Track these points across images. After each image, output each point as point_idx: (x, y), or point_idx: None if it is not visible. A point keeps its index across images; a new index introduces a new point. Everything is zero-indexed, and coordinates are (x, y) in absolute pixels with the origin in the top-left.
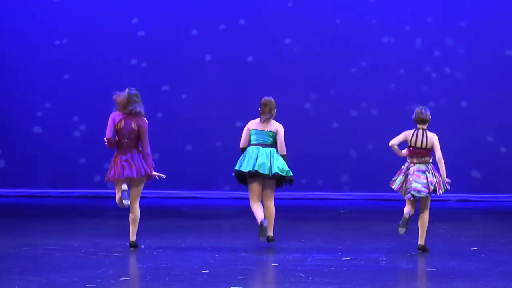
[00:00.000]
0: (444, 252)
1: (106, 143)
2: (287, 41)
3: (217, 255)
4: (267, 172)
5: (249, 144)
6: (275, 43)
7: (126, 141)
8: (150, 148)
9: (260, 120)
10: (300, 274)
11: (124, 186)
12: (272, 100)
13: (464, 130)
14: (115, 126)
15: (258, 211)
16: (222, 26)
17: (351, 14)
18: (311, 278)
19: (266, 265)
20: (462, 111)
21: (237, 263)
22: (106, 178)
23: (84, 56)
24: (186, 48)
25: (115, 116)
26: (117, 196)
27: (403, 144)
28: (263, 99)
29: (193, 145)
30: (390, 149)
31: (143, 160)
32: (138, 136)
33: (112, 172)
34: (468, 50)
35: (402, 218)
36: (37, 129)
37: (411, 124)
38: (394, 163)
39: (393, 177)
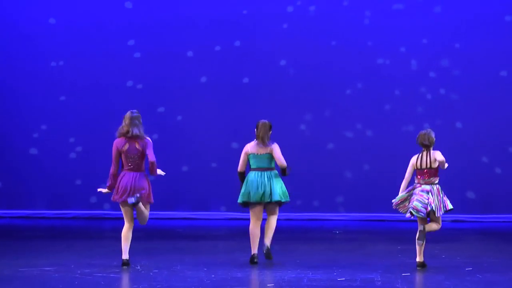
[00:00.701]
0: (439, 272)
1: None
2: (283, 62)
3: (212, 276)
4: (268, 200)
5: (249, 168)
6: (270, 64)
7: (132, 161)
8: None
9: (256, 143)
10: None
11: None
12: (267, 122)
13: (459, 151)
14: (120, 151)
15: (254, 240)
16: (217, 48)
17: (347, 35)
18: None
19: (262, 285)
20: (457, 132)
21: (233, 284)
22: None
23: (80, 77)
24: (182, 70)
25: (118, 143)
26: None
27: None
28: (259, 121)
29: (189, 166)
30: (385, 170)
31: (146, 185)
32: (142, 157)
33: (113, 195)
34: (463, 71)
35: (418, 231)
36: (33, 151)
37: (406, 145)
38: (389, 184)
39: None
